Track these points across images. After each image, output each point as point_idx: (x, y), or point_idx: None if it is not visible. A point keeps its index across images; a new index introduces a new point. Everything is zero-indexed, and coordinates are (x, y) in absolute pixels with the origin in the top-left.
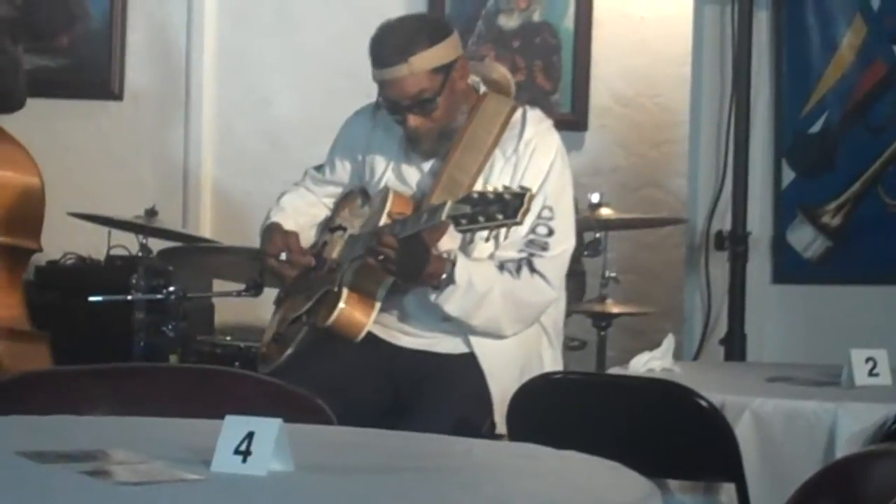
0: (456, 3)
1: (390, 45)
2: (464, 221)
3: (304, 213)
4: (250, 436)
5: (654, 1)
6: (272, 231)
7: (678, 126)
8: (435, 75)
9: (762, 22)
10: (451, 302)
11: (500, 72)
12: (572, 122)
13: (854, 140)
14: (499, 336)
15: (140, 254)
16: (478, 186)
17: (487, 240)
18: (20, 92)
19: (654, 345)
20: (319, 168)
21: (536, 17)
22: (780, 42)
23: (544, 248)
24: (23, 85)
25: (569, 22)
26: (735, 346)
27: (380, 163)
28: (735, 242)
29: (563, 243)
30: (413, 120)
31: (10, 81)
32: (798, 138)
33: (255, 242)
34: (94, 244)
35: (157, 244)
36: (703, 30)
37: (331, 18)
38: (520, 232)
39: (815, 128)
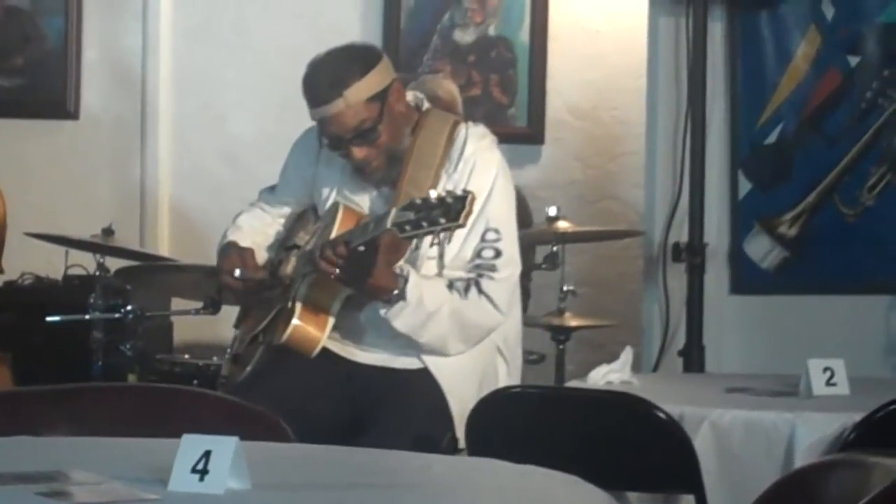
0: (411, 18)
1: (323, 81)
2: (408, 228)
3: (260, 231)
4: (207, 454)
5: (610, 14)
6: (228, 248)
7: (634, 138)
8: (372, 104)
9: (717, 33)
10: (401, 318)
11: (445, 88)
12: (529, 135)
13: (810, 150)
14: (443, 354)
15: (98, 273)
16: None
17: (432, 245)
18: None
19: (612, 357)
20: (272, 188)
21: (492, 32)
22: (735, 53)
23: (492, 269)
24: None
25: (524, 36)
26: (694, 358)
27: (328, 180)
28: (692, 254)
29: (511, 266)
30: (358, 151)
31: None
32: (754, 149)
33: (213, 260)
34: (52, 264)
35: (114, 263)
36: (657, 42)
37: (287, 35)
38: (464, 256)
39: (771, 138)
